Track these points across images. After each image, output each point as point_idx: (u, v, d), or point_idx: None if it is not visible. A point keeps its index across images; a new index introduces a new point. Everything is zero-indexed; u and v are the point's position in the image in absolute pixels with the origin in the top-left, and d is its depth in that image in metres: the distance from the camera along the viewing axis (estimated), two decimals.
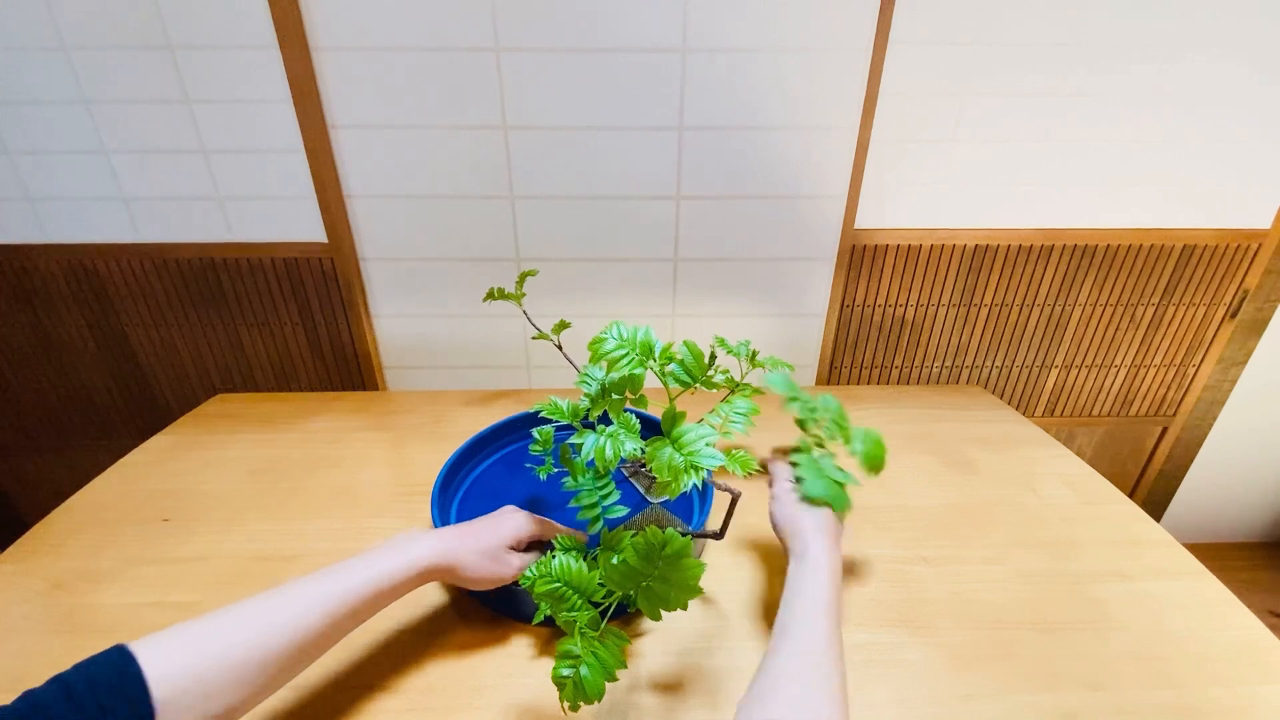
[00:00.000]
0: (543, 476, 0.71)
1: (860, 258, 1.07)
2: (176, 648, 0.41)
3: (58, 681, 0.37)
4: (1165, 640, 0.62)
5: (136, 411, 1.19)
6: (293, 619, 0.45)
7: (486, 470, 0.85)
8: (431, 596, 0.67)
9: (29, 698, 0.36)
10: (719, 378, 0.65)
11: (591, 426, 0.58)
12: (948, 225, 1.05)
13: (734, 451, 0.72)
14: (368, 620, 0.50)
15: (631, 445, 0.54)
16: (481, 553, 0.56)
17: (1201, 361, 1.19)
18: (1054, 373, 1.20)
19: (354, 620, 0.49)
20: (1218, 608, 0.66)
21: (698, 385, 0.63)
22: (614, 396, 0.61)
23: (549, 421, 0.68)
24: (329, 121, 0.93)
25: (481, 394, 1.10)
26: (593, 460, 0.53)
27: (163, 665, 0.39)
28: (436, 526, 0.68)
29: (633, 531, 0.55)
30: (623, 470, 0.80)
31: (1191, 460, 1.30)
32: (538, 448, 0.70)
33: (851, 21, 0.89)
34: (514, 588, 0.58)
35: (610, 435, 0.54)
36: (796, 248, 1.05)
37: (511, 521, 0.60)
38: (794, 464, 0.60)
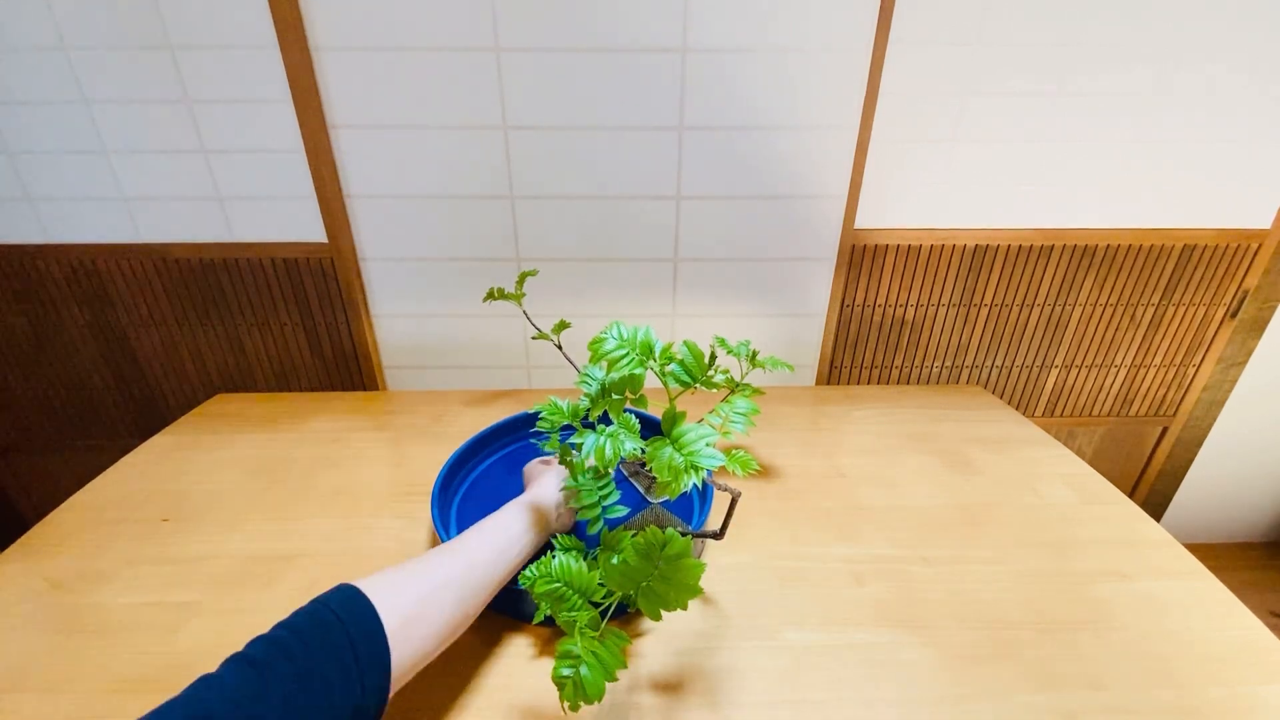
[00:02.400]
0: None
1: (860, 258, 1.07)
2: (393, 591, 0.46)
3: (304, 613, 0.42)
4: (1165, 640, 0.62)
5: (136, 411, 1.19)
6: (469, 572, 0.52)
7: (486, 470, 0.85)
8: None
9: (285, 625, 0.41)
10: (719, 378, 0.65)
11: (591, 426, 0.58)
12: (948, 225, 1.05)
13: (734, 451, 0.72)
14: None
15: (631, 445, 0.54)
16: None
17: (1201, 361, 1.19)
18: (1054, 373, 1.20)
19: (501, 585, 0.56)
20: (1218, 608, 0.66)
21: (698, 385, 0.63)
22: (614, 396, 0.61)
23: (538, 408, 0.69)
24: (329, 121, 0.93)
25: (481, 394, 1.10)
26: (593, 460, 0.53)
27: (386, 604, 0.44)
28: (436, 527, 0.68)
29: (633, 531, 0.55)
30: (623, 470, 0.80)
31: (1191, 460, 1.30)
32: (545, 438, 0.70)
33: (851, 21, 0.89)
34: (514, 588, 0.58)
35: (610, 435, 0.54)
36: (796, 248, 1.05)
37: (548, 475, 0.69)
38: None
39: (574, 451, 0.62)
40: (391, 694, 0.43)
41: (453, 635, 0.50)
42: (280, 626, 0.41)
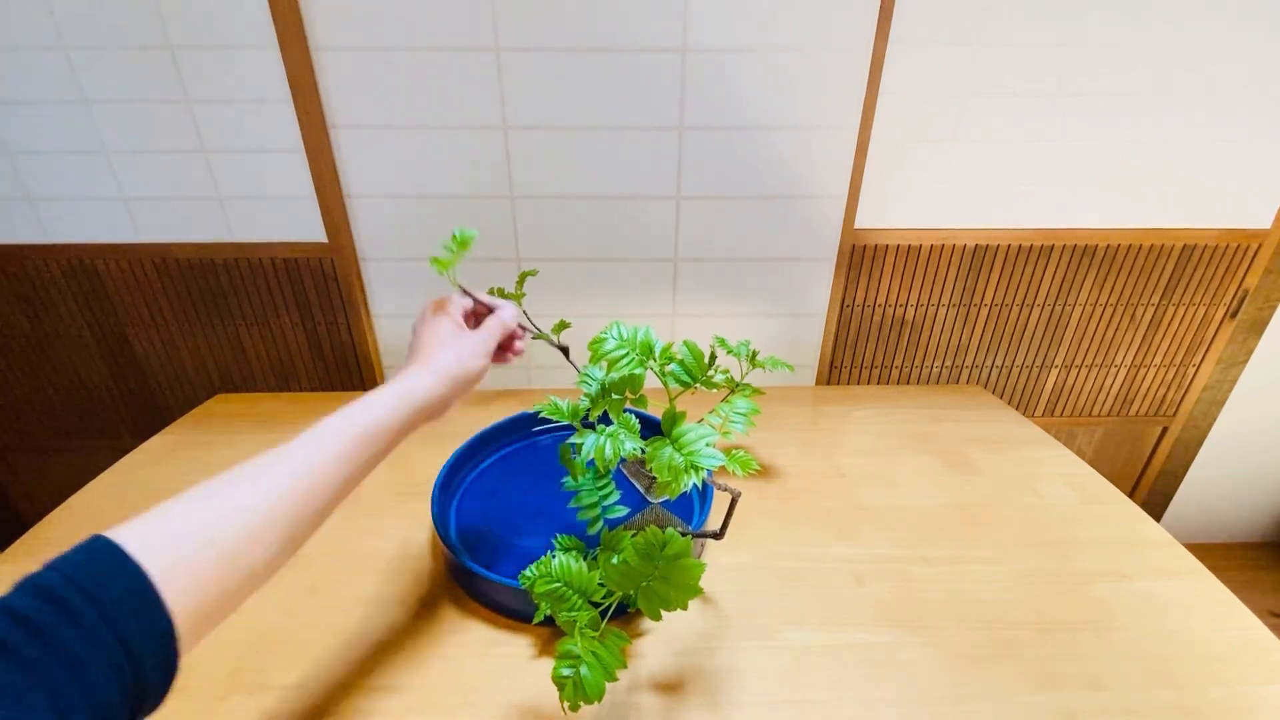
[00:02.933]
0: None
1: (860, 258, 1.07)
2: (161, 530, 0.36)
3: (26, 589, 0.30)
4: (1165, 640, 0.62)
5: (136, 411, 1.19)
6: (286, 478, 0.42)
7: (486, 470, 0.85)
8: (432, 595, 0.67)
9: (16, 598, 0.30)
10: (719, 378, 0.65)
11: (591, 426, 0.58)
12: (948, 225, 1.05)
13: (734, 451, 0.72)
14: (370, 472, 0.46)
15: (631, 445, 0.54)
16: (447, 356, 0.51)
17: (1201, 361, 1.19)
18: (1054, 373, 1.20)
19: (353, 466, 0.46)
20: (1218, 608, 0.66)
21: (698, 385, 0.63)
22: (614, 396, 0.61)
23: (549, 421, 0.68)
24: (329, 121, 0.93)
25: (481, 394, 1.10)
26: (593, 460, 0.53)
27: (153, 547, 0.34)
28: (436, 527, 0.68)
29: (633, 531, 0.55)
30: (623, 470, 0.80)
31: (1191, 460, 1.30)
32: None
33: (851, 21, 0.89)
34: (514, 587, 0.58)
35: (610, 435, 0.54)
36: (796, 248, 1.05)
37: (437, 319, 0.55)
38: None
39: (573, 451, 0.62)
40: (191, 648, 0.34)
41: (282, 558, 0.40)
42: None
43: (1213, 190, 1.03)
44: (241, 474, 0.40)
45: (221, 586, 0.35)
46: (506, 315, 0.59)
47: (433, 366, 0.51)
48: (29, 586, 0.30)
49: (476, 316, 0.60)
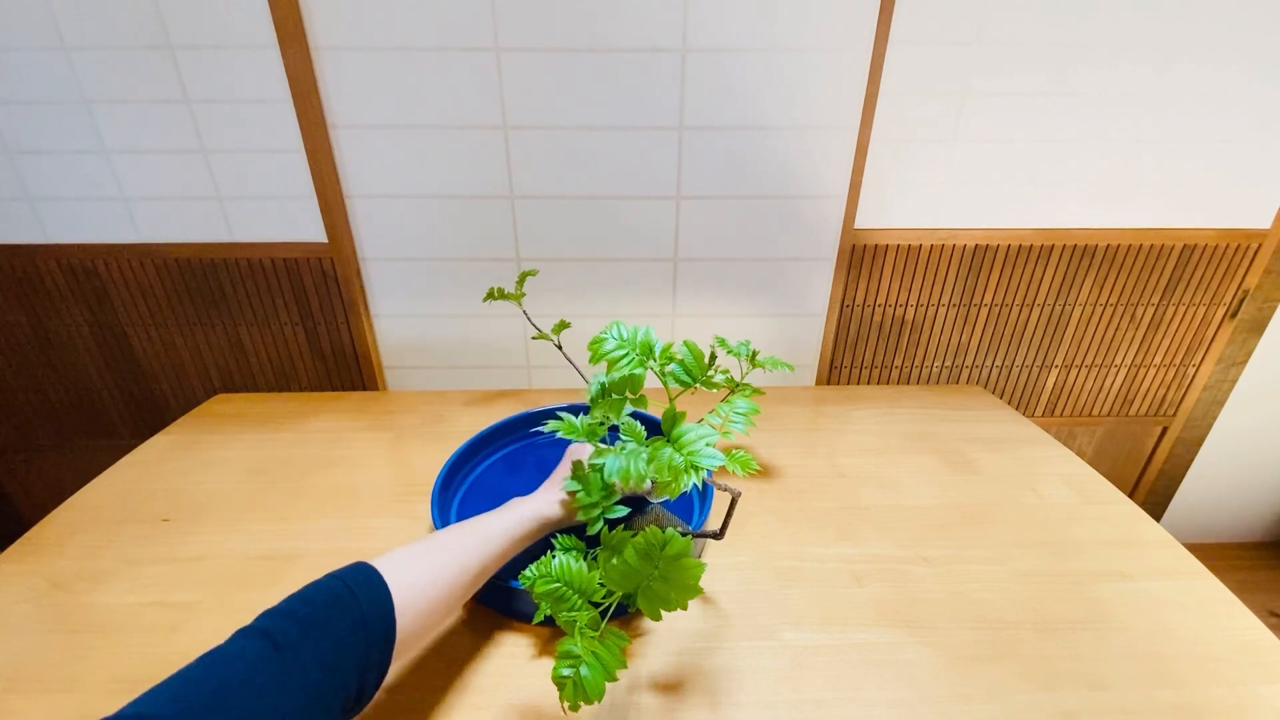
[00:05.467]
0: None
1: (860, 258, 1.07)
2: (402, 569, 0.48)
3: (319, 586, 0.43)
4: (1165, 640, 0.62)
5: (136, 411, 1.19)
6: (475, 551, 0.54)
7: (486, 470, 0.85)
8: None
9: (298, 597, 0.42)
10: (719, 378, 0.65)
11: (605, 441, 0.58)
12: (948, 225, 1.05)
13: (734, 451, 0.72)
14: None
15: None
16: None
17: (1201, 361, 1.19)
18: (1054, 373, 1.20)
19: (500, 561, 0.57)
20: (1218, 608, 0.66)
21: (698, 385, 0.63)
22: (614, 396, 0.61)
23: (548, 421, 0.68)
24: (329, 121, 0.93)
25: (481, 394, 1.10)
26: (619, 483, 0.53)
27: (396, 580, 0.46)
28: (436, 527, 0.68)
29: (633, 531, 0.55)
30: None
31: (1191, 460, 1.30)
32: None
33: (851, 21, 0.89)
34: (514, 587, 0.58)
35: (631, 455, 0.54)
36: (796, 248, 1.05)
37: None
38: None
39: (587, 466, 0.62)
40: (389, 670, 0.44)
41: (445, 620, 0.52)
42: (293, 598, 0.42)
43: (1213, 190, 1.03)
44: (445, 543, 0.53)
45: (421, 611, 0.47)
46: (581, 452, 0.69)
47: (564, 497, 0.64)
48: (318, 584, 0.43)
49: None
